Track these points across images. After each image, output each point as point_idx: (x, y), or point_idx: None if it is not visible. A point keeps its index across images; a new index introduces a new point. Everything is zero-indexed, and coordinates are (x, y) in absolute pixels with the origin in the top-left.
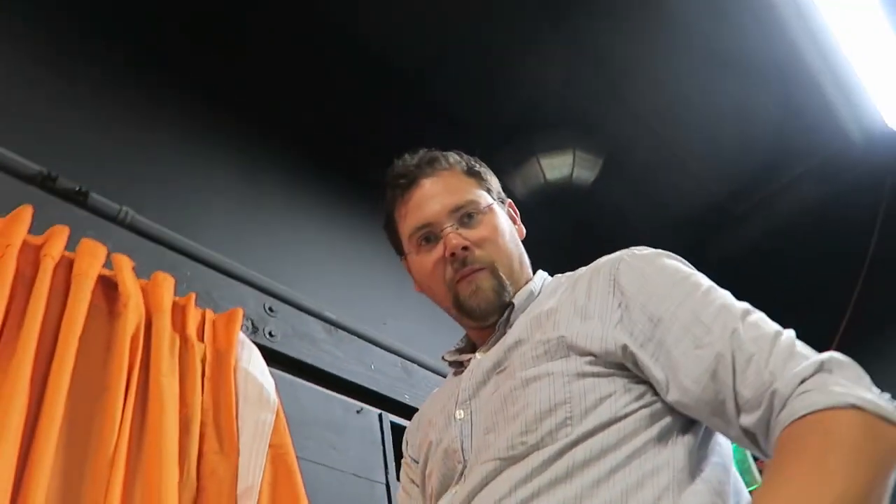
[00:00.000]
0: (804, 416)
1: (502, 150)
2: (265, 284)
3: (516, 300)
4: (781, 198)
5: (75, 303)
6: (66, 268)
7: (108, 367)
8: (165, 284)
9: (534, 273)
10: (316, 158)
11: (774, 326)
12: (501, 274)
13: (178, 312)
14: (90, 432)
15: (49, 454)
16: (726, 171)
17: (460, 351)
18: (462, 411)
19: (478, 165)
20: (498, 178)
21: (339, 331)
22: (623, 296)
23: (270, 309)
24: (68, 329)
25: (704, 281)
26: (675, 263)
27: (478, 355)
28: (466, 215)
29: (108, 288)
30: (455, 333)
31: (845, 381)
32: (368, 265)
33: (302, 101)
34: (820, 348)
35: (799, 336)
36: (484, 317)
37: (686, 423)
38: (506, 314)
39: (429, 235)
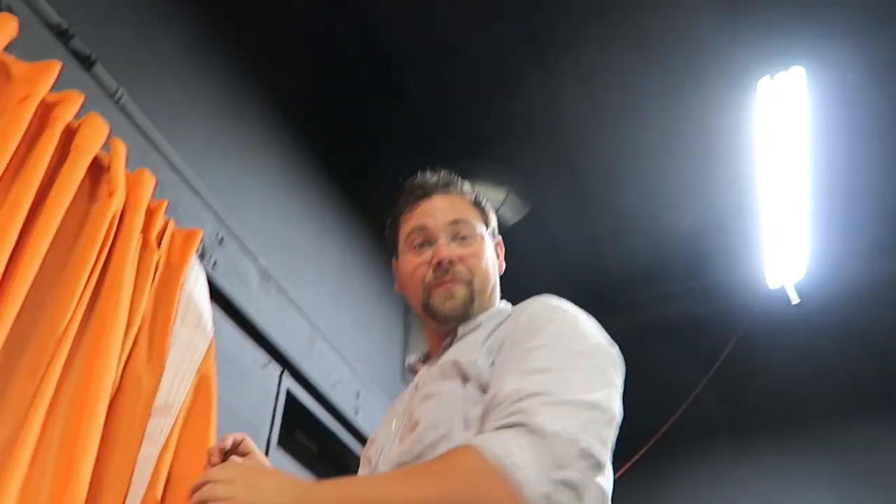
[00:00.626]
0: (461, 445)
1: (447, 159)
2: (224, 213)
3: (461, 330)
4: (658, 303)
5: (70, 175)
6: (69, 135)
7: (77, 248)
8: (148, 184)
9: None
10: (297, 111)
11: (551, 387)
12: (475, 291)
13: (147, 215)
14: (44, 304)
15: (11, 313)
16: (627, 261)
17: (421, 360)
18: (396, 421)
19: (484, 201)
20: None
21: (270, 282)
22: (509, 334)
23: (222, 239)
24: (56, 199)
25: (555, 339)
26: (554, 316)
27: (423, 370)
28: (461, 236)
29: (97, 168)
30: (359, 324)
31: (517, 442)
32: (307, 226)
33: (298, 60)
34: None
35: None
36: (446, 321)
37: None
38: (448, 339)
39: (424, 241)
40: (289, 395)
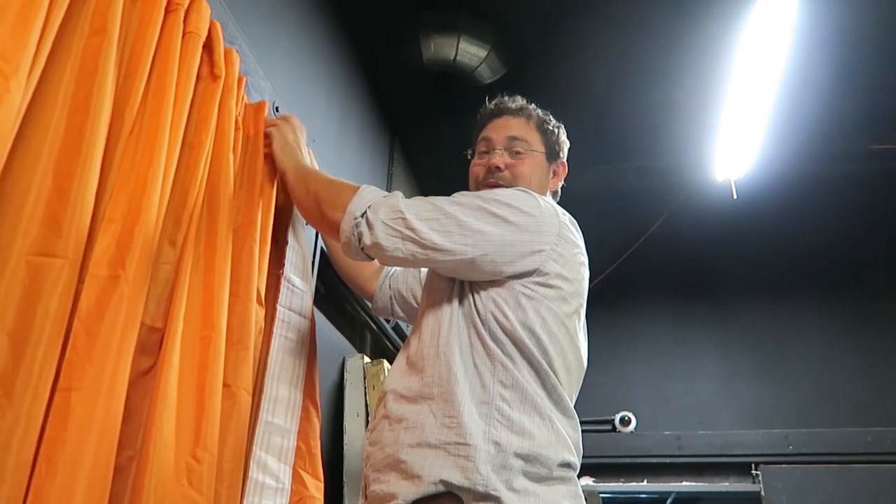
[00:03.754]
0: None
1: (433, 6)
2: (277, 85)
3: None
4: (618, 172)
5: (189, 61)
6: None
7: (190, 129)
8: (237, 64)
9: None
10: None
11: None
12: None
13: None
14: (177, 182)
15: (154, 200)
16: (592, 128)
17: None
18: None
19: (551, 125)
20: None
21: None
22: None
23: (277, 108)
24: (182, 88)
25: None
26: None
27: None
28: (515, 150)
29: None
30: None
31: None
32: (322, 86)
33: None
34: None
35: None
36: None
37: None
38: None
39: (486, 150)
40: (322, 252)
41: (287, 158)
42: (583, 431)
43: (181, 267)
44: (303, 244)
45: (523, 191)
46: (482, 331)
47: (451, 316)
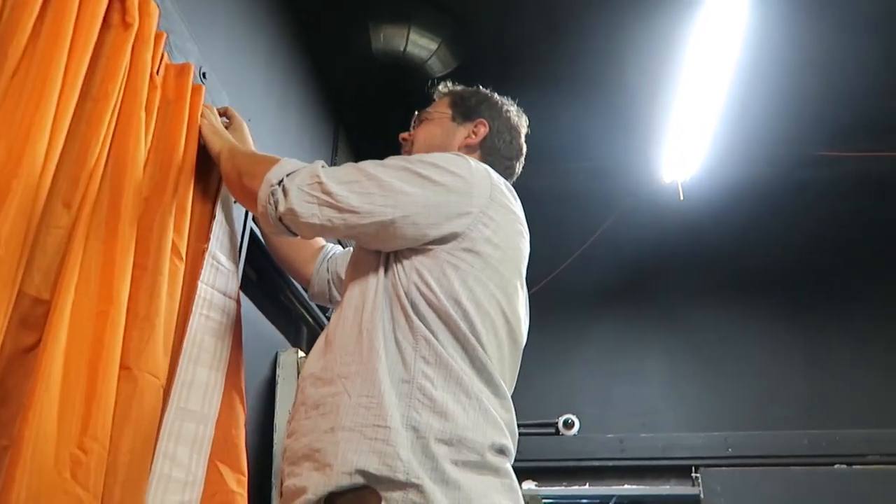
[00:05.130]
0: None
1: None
2: (207, 50)
3: None
4: (562, 174)
5: (92, 5)
6: None
7: (96, 80)
8: (154, 15)
9: None
10: None
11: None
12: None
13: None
14: (75, 137)
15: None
16: (539, 132)
17: None
18: None
19: (466, 93)
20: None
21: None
22: None
23: (204, 74)
24: (85, 32)
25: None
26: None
27: None
28: (419, 120)
29: None
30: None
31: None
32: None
33: None
34: None
35: None
36: None
37: None
38: None
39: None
40: (252, 233)
41: (217, 139)
42: (526, 434)
43: (76, 233)
44: (231, 222)
45: (455, 154)
46: (405, 303)
47: (375, 290)
